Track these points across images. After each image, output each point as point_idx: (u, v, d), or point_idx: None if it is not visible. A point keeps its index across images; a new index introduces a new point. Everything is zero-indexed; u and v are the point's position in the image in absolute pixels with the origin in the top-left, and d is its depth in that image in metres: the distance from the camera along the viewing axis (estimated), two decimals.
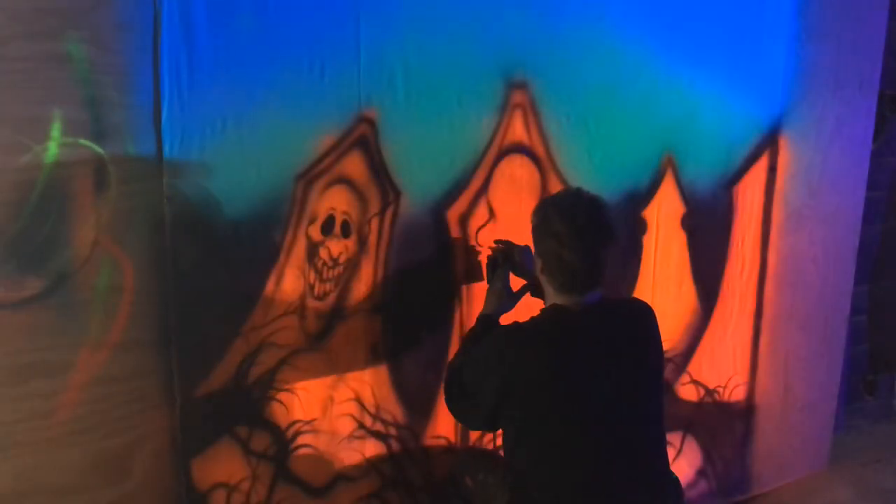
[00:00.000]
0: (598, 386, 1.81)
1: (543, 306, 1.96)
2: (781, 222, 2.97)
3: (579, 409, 1.80)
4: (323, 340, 2.18)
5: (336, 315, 2.19)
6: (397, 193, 2.22)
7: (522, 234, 2.13)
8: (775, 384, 3.11)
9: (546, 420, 1.80)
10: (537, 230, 1.88)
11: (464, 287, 2.38)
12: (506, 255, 2.24)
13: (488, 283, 2.27)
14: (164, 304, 1.93)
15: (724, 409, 3.01)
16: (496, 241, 2.31)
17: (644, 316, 1.97)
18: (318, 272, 2.15)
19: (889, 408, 3.95)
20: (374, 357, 2.27)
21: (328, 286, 2.17)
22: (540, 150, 2.42)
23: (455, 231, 2.33)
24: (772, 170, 2.91)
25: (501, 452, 2.05)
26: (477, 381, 1.91)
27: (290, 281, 2.10)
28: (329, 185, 2.12)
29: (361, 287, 2.22)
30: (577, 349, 1.83)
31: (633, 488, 1.83)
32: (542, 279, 1.91)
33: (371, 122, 2.14)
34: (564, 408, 1.79)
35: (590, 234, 1.80)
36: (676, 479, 1.98)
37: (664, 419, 1.95)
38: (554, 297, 1.90)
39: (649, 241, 2.71)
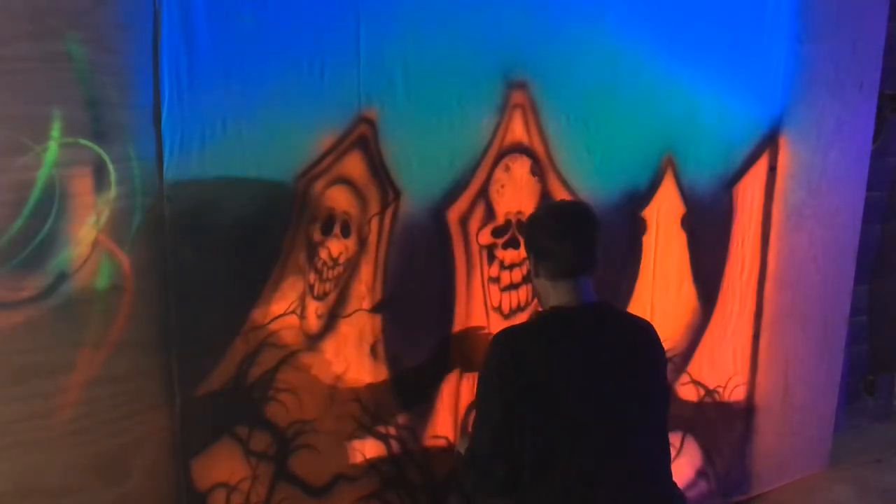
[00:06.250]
0: (597, 386, 1.80)
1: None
2: (781, 222, 2.97)
3: (577, 410, 1.78)
4: (323, 340, 2.18)
5: (336, 315, 2.19)
6: (397, 193, 2.22)
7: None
8: (775, 384, 3.11)
9: (546, 422, 1.77)
10: (528, 232, 2.02)
11: (464, 286, 2.38)
12: None
13: None
14: (164, 304, 1.93)
15: (724, 409, 3.01)
16: None
17: (645, 329, 1.98)
18: (318, 272, 2.15)
19: (889, 408, 3.95)
20: (373, 357, 2.27)
21: (328, 286, 2.17)
22: (540, 150, 2.42)
23: (455, 231, 2.34)
24: (772, 170, 2.91)
25: None
26: (485, 406, 1.85)
27: (290, 281, 2.10)
28: (329, 185, 2.12)
29: (361, 287, 2.22)
30: (577, 346, 1.83)
31: (632, 497, 1.81)
32: (538, 282, 1.95)
33: (371, 122, 2.14)
34: (562, 408, 1.78)
35: (575, 221, 1.93)
36: (681, 495, 1.96)
37: (666, 432, 1.93)
38: (551, 295, 1.91)
39: (649, 241, 2.71)
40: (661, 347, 1.97)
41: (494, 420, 1.79)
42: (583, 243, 1.91)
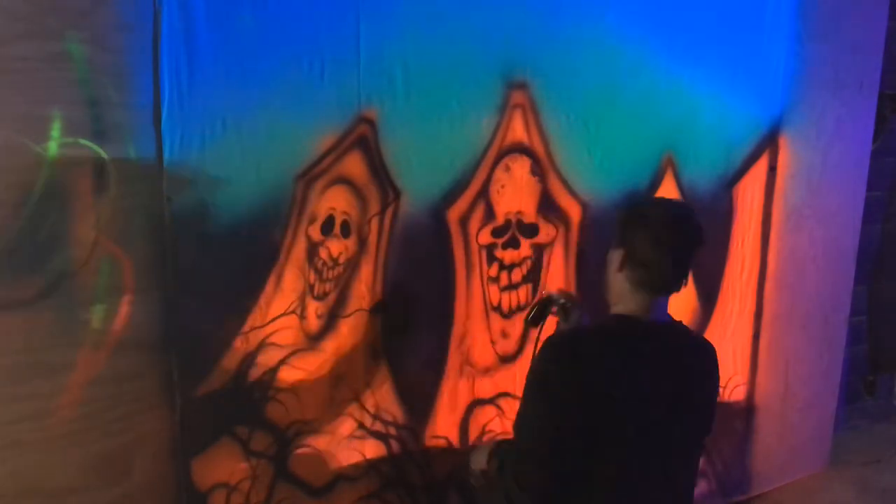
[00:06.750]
0: (653, 411, 1.66)
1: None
2: (781, 222, 2.98)
3: (627, 432, 1.64)
4: (323, 340, 2.19)
5: (336, 315, 2.19)
6: (397, 193, 2.22)
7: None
8: (775, 384, 3.11)
9: (593, 437, 1.62)
10: (628, 223, 1.75)
11: (464, 286, 2.38)
12: (565, 308, 2.04)
13: (526, 322, 2.13)
14: (164, 304, 1.93)
15: (724, 409, 3.01)
16: (561, 291, 2.18)
17: (710, 355, 1.82)
18: (318, 272, 2.15)
19: (889, 408, 3.95)
20: (373, 357, 2.27)
21: (328, 286, 2.17)
22: (540, 150, 2.42)
23: (455, 231, 2.34)
24: (772, 170, 2.91)
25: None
26: (530, 414, 1.67)
27: (290, 281, 2.10)
28: (329, 185, 2.12)
29: (361, 287, 2.22)
30: (642, 366, 1.68)
31: None
32: (618, 277, 1.74)
33: (371, 122, 2.14)
34: (613, 426, 1.63)
35: (684, 233, 1.71)
36: None
37: (699, 460, 1.85)
38: (627, 299, 1.74)
39: None
40: (718, 375, 1.84)
41: (542, 423, 1.63)
42: (684, 262, 1.71)
